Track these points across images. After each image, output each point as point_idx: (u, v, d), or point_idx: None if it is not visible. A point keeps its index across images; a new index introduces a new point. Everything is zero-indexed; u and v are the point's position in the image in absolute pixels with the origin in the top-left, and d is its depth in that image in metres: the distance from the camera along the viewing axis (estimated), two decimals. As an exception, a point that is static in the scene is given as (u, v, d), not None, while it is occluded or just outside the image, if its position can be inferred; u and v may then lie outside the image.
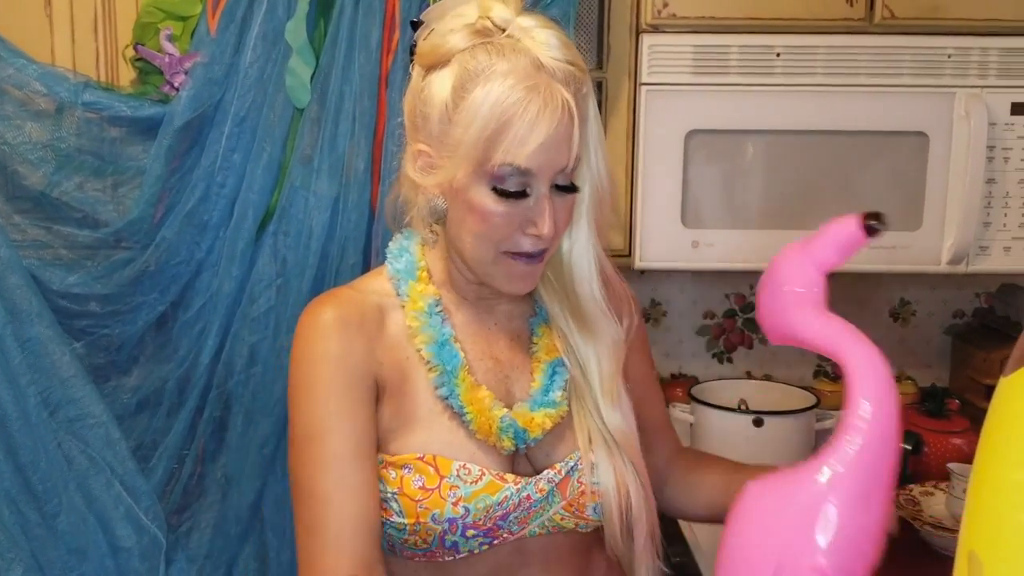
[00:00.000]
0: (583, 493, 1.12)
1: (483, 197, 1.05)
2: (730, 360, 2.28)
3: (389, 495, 1.08)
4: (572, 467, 1.12)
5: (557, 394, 1.15)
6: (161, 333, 1.73)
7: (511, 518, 1.09)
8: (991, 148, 1.77)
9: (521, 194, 1.05)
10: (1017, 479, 0.53)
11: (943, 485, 1.91)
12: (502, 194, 1.04)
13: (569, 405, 1.16)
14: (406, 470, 1.08)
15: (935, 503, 1.87)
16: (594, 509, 1.12)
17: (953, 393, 2.15)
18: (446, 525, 1.06)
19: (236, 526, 1.71)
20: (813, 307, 0.90)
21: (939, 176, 1.79)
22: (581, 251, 1.15)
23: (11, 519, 1.53)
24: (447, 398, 1.11)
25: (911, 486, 1.97)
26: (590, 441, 1.13)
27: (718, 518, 1.00)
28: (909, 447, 1.97)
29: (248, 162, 1.65)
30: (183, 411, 1.70)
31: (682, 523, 1.92)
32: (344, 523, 1.04)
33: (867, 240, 0.89)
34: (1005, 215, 1.80)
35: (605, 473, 1.11)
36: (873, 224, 0.89)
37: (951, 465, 1.86)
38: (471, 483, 1.07)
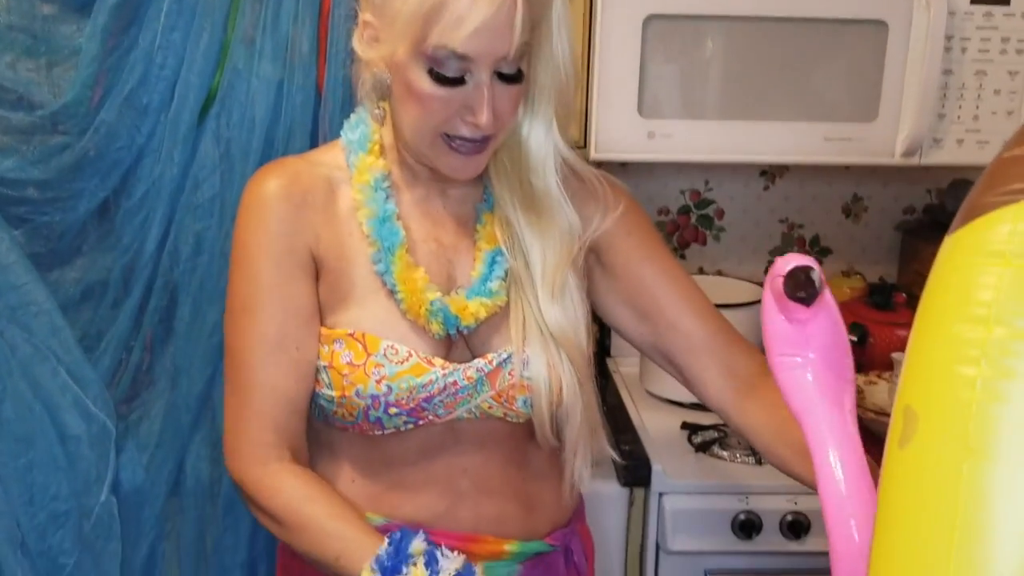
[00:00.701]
0: (513, 385, 1.11)
1: (420, 79, 1.01)
2: (684, 256, 2.28)
3: (321, 367, 1.10)
4: (505, 359, 1.11)
5: (495, 284, 1.13)
6: (104, 221, 1.69)
7: (436, 401, 1.09)
8: (949, 39, 1.75)
9: (459, 80, 1.01)
10: (955, 332, 0.53)
11: (886, 375, 1.95)
12: (438, 78, 1.00)
13: (509, 296, 1.14)
14: (337, 344, 1.09)
15: (878, 392, 1.91)
16: (524, 402, 1.12)
17: (901, 288, 2.18)
18: (369, 401, 1.07)
19: (187, 414, 1.70)
20: (800, 378, 0.83)
21: (897, 67, 1.77)
22: (539, 140, 1.11)
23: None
24: (382, 275, 1.10)
25: (855, 376, 2.01)
26: (525, 334, 1.12)
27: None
28: (855, 338, 2.01)
29: (188, 42, 1.58)
30: (129, 301, 1.67)
31: (631, 410, 1.95)
32: (267, 396, 1.08)
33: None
34: (960, 107, 1.79)
35: (537, 367, 1.10)
36: (800, 296, 0.79)
37: (895, 355, 1.90)
38: (397, 363, 1.07)
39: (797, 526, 1.71)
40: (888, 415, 1.76)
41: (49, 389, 1.57)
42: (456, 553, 0.99)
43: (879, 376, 1.95)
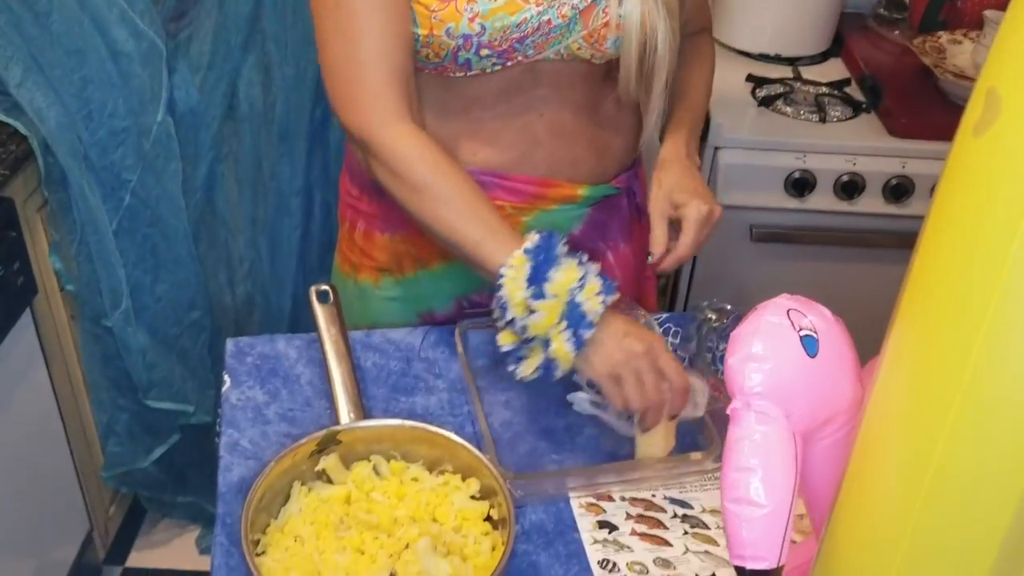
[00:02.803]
0: (606, 24, 1.05)
1: None
2: None
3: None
4: None
5: None
6: None
7: (528, 42, 1.04)
8: None
9: None
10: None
11: (973, 34, 1.82)
12: None
13: None
14: None
15: (961, 52, 1.79)
16: (614, 42, 1.07)
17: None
18: (460, 41, 1.02)
19: (236, 36, 1.66)
20: None
21: None
22: None
23: (0, 16, 1.48)
24: None
25: (940, 33, 1.87)
26: None
27: None
28: (950, -8, 1.85)
29: None
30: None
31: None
32: (378, 38, 1.01)
33: None
34: None
35: (630, 6, 1.04)
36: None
37: (988, 13, 1.75)
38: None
39: (851, 187, 1.69)
40: (968, 78, 1.66)
41: (95, 2, 1.53)
42: (592, 263, 0.99)
43: (965, 35, 1.82)
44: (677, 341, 1.18)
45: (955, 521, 0.53)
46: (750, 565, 0.60)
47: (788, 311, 0.63)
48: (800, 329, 0.62)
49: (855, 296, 1.39)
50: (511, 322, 0.96)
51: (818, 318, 0.65)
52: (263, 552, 0.86)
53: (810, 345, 0.62)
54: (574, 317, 0.94)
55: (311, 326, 1.06)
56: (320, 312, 1.04)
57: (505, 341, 0.99)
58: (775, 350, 0.62)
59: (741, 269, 1.81)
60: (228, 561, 0.89)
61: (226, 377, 1.10)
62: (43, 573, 1.66)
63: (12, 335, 1.48)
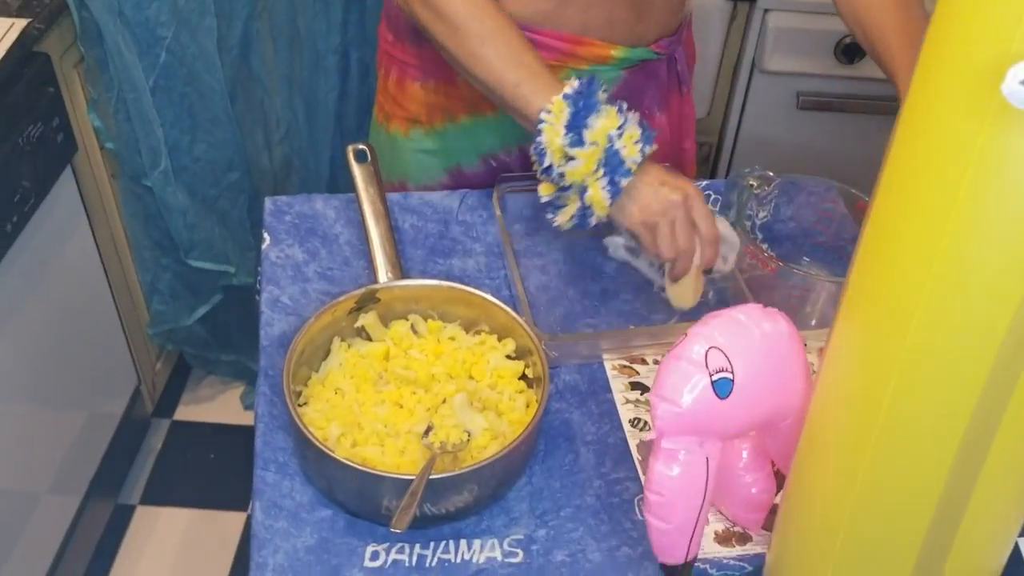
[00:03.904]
0: None
1: None
2: None
3: None
4: None
5: None
6: None
7: None
8: None
9: None
10: None
11: None
12: None
13: None
14: None
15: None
16: None
17: None
18: None
19: None
20: None
21: None
22: None
23: None
24: None
25: None
26: None
27: None
28: None
29: None
30: None
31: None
32: None
33: None
34: None
35: None
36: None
37: None
38: None
39: (904, 54, 1.63)
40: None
41: None
42: (631, 112, 0.96)
43: None
44: (716, 208, 1.17)
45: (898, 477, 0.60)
46: (661, 560, 0.75)
47: (708, 351, 0.67)
48: (714, 373, 0.67)
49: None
50: (548, 169, 0.95)
51: (743, 348, 0.68)
52: (305, 403, 0.89)
53: (722, 388, 0.67)
54: (612, 164, 0.92)
55: (349, 189, 1.05)
56: (358, 172, 1.04)
57: (545, 192, 0.98)
58: (688, 392, 0.67)
59: (785, 138, 1.77)
60: (271, 411, 0.92)
61: (265, 235, 1.11)
62: (95, 425, 1.74)
63: (54, 192, 1.50)
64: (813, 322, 1.03)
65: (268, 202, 1.16)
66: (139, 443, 1.95)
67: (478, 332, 0.96)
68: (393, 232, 1.01)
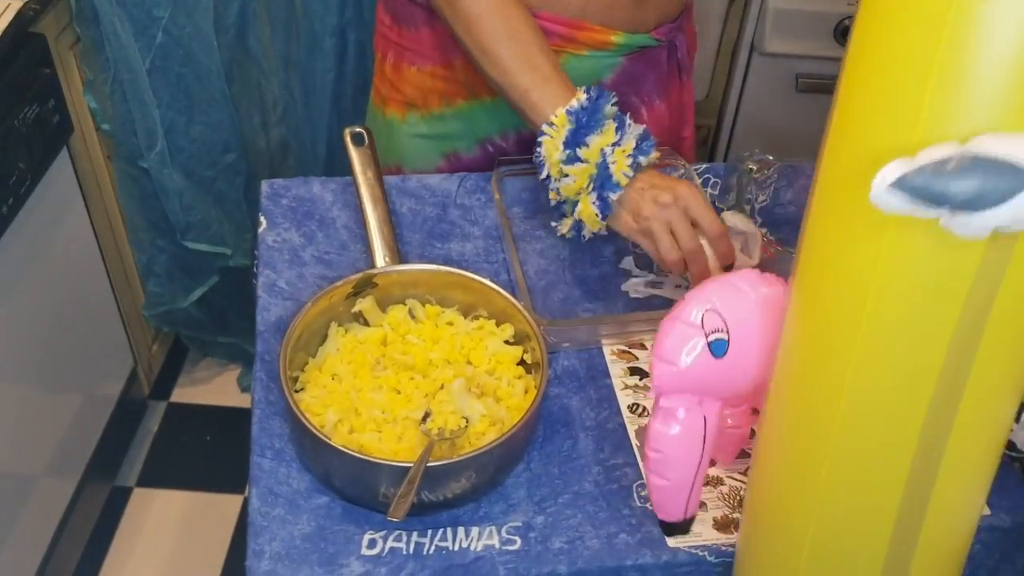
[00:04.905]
0: None
1: None
2: None
3: None
4: None
5: None
6: None
7: None
8: None
9: None
10: None
11: None
12: None
13: None
14: None
15: None
16: None
17: None
18: None
19: None
20: None
21: None
22: None
23: None
24: None
25: None
26: None
27: None
28: None
29: None
30: None
31: None
32: None
33: None
34: None
35: None
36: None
37: None
38: None
39: None
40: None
41: None
42: (633, 125, 0.96)
43: None
44: (716, 192, 1.16)
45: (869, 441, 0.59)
46: (661, 517, 0.78)
47: (705, 312, 0.68)
48: (710, 334, 0.68)
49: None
50: (547, 180, 0.96)
51: (739, 311, 0.69)
52: (301, 389, 0.89)
53: (718, 348, 0.69)
54: (601, 179, 0.93)
55: (346, 170, 1.05)
56: (355, 155, 1.03)
57: (552, 196, 0.99)
58: (686, 353, 0.69)
59: (784, 120, 1.76)
60: (267, 396, 0.92)
61: (262, 218, 1.11)
62: (92, 406, 1.73)
63: (50, 174, 1.49)
64: (812, 308, 1.02)
65: (265, 185, 1.15)
66: (136, 425, 1.95)
67: (476, 317, 0.96)
68: (391, 216, 1.01)
